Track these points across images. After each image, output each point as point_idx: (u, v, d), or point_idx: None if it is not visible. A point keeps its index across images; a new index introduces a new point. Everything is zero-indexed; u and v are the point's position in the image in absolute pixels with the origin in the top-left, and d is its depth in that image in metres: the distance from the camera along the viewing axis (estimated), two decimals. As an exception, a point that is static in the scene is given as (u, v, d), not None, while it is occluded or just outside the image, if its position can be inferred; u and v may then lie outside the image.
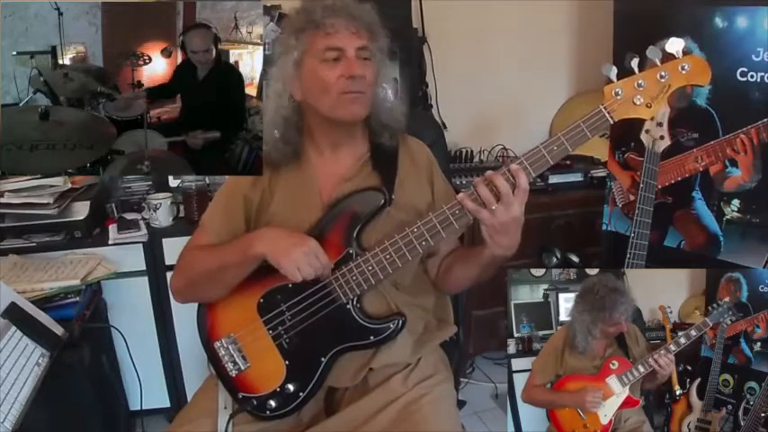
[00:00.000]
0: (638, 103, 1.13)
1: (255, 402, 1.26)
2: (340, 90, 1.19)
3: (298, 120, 1.26)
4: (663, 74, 1.12)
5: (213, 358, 1.30)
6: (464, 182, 2.33)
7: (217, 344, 1.29)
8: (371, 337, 1.24)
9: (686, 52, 1.12)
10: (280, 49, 1.24)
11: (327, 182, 1.29)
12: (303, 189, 1.29)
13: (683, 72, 1.12)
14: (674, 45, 1.12)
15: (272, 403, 1.25)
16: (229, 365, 1.28)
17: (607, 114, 1.12)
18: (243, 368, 1.27)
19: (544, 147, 1.13)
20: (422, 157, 1.35)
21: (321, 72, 1.19)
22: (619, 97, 1.12)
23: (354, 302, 1.23)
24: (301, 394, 1.25)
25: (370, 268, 1.20)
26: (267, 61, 1.39)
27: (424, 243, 1.17)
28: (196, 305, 1.33)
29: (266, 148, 1.28)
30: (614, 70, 1.14)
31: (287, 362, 1.25)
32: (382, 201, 1.23)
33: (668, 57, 1.13)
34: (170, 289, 1.36)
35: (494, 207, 1.10)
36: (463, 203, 1.13)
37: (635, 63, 1.13)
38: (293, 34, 1.21)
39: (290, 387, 1.25)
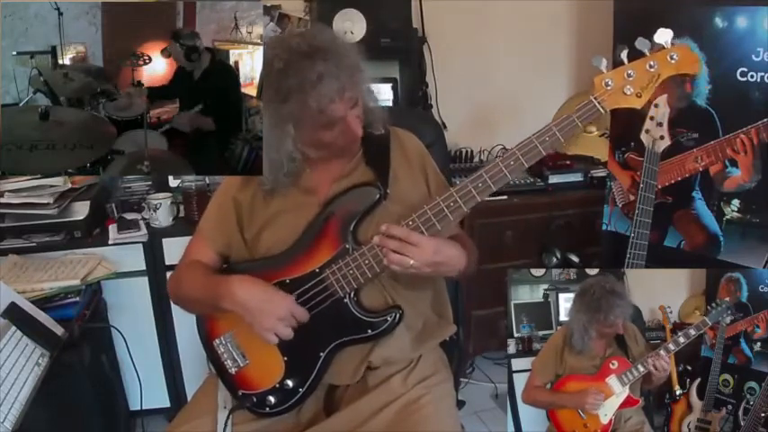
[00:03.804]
0: (628, 93, 1.14)
1: (255, 399, 1.27)
2: (340, 143, 1.22)
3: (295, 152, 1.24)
4: (652, 63, 1.13)
5: (212, 356, 1.31)
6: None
7: (216, 342, 1.30)
8: (369, 331, 1.24)
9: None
10: (268, 113, 1.19)
11: (322, 181, 1.29)
12: (299, 189, 1.29)
13: (672, 61, 1.14)
14: (663, 35, 1.13)
15: (272, 399, 1.26)
16: (229, 363, 1.28)
17: (598, 105, 1.14)
18: (242, 365, 1.28)
19: (536, 138, 1.15)
20: (413, 148, 1.35)
21: (321, 136, 1.20)
22: (609, 88, 1.14)
23: (351, 296, 1.24)
24: (300, 390, 1.25)
25: (366, 262, 1.20)
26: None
27: None
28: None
29: (267, 184, 1.27)
30: (604, 62, 1.15)
31: (285, 358, 1.26)
32: (377, 196, 1.24)
33: (657, 47, 1.14)
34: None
35: (411, 262, 1.14)
36: (392, 268, 1.16)
37: (624, 54, 1.15)
38: (282, 100, 1.15)
39: (290, 383, 1.25)
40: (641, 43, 1.14)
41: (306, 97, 1.12)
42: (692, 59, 1.14)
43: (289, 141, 1.19)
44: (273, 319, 1.18)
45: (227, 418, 1.26)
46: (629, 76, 1.14)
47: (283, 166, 1.22)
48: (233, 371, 1.28)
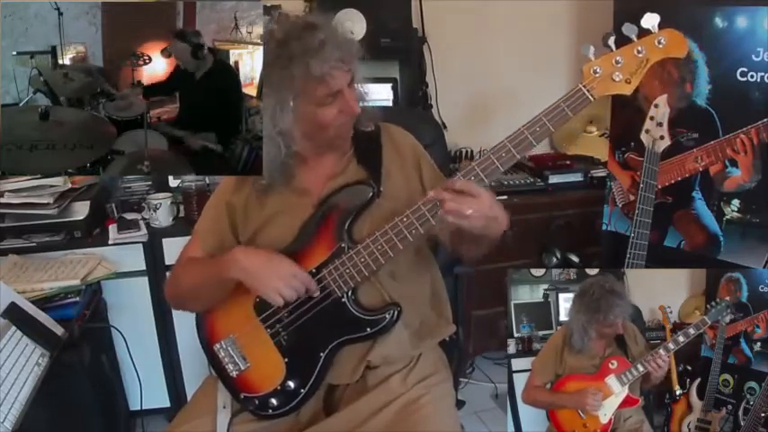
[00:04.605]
0: (617, 79, 1.14)
1: (258, 402, 1.27)
2: (339, 124, 1.21)
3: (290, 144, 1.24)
4: (640, 49, 1.13)
5: (213, 360, 1.31)
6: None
7: (216, 346, 1.30)
8: (368, 329, 1.24)
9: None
10: (269, 83, 1.19)
11: (315, 181, 1.30)
12: (292, 190, 1.29)
13: (660, 46, 1.13)
14: (650, 20, 1.13)
15: (274, 401, 1.26)
16: (230, 366, 1.29)
17: (587, 92, 1.14)
18: (243, 368, 1.28)
19: (527, 129, 1.15)
20: (405, 144, 1.35)
21: (320, 115, 1.19)
22: (597, 75, 1.14)
23: (349, 295, 1.24)
24: (302, 391, 1.25)
25: (362, 260, 1.20)
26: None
27: (414, 232, 1.18)
28: (196, 305, 1.34)
29: (265, 179, 1.27)
30: (592, 49, 1.15)
31: (286, 359, 1.26)
32: (370, 194, 1.24)
33: (645, 33, 1.14)
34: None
35: (468, 212, 1.10)
36: (445, 218, 1.13)
37: (612, 41, 1.14)
38: (283, 66, 1.15)
39: (291, 384, 1.25)
40: (628, 29, 1.14)
41: (309, 61, 1.12)
42: (680, 42, 1.14)
43: (288, 117, 1.18)
44: (276, 279, 1.18)
45: (230, 422, 1.26)
46: (617, 62, 1.13)
47: (281, 150, 1.21)
48: (234, 374, 1.29)
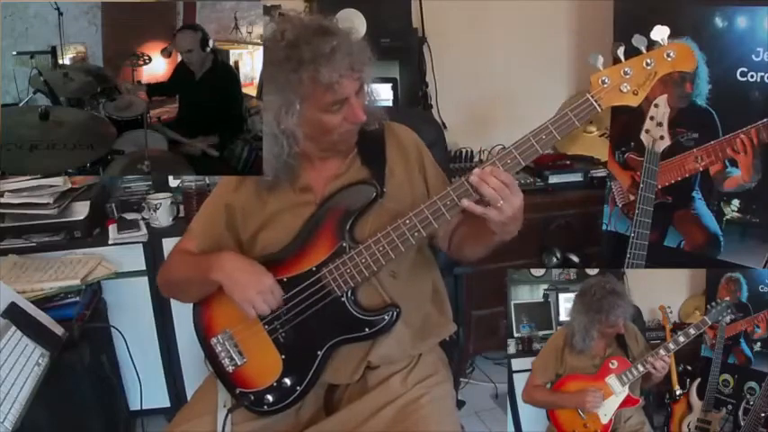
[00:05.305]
0: (624, 90, 1.14)
1: (253, 397, 1.27)
2: (343, 130, 1.22)
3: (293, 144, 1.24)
4: (649, 61, 1.13)
5: (210, 355, 1.31)
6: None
7: (213, 340, 1.30)
8: (366, 329, 1.24)
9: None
10: (275, 81, 1.18)
11: (319, 180, 1.30)
12: (295, 189, 1.29)
13: (669, 59, 1.13)
14: (660, 33, 1.13)
15: (270, 398, 1.26)
16: (226, 361, 1.29)
17: (594, 102, 1.13)
18: (240, 363, 1.28)
19: (533, 136, 1.14)
20: (409, 143, 1.35)
21: (325, 120, 1.19)
22: (605, 85, 1.13)
23: (349, 295, 1.24)
24: (298, 388, 1.25)
25: (363, 261, 1.20)
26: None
27: (416, 234, 1.18)
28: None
29: (270, 175, 1.27)
30: (601, 59, 1.15)
31: (283, 356, 1.26)
32: (374, 194, 1.24)
33: (654, 44, 1.14)
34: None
35: (500, 204, 1.10)
36: (471, 209, 1.12)
37: (621, 52, 1.14)
38: (292, 69, 1.14)
39: (287, 381, 1.25)
40: (638, 40, 1.13)
41: (318, 67, 1.12)
42: (689, 57, 1.14)
43: (293, 119, 1.18)
44: (254, 291, 1.19)
45: (226, 417, 1.26)
46: (625, 73, 1.13)
47: (284, 149, 1.21)
48: (230, 369, 1.29)
